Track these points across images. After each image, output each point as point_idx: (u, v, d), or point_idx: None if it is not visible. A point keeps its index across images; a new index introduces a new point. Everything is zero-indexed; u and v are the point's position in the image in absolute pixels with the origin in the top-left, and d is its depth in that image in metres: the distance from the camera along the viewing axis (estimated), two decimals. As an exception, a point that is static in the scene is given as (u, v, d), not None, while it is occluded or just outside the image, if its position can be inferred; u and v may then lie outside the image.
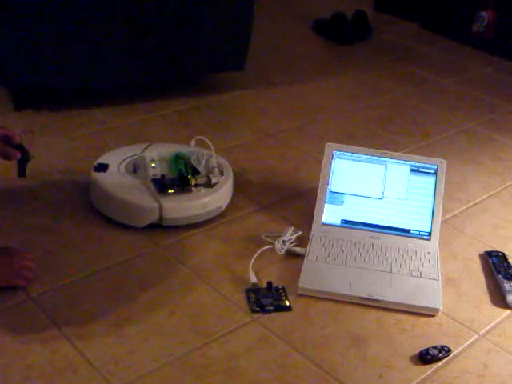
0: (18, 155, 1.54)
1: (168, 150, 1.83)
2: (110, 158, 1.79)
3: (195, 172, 1.73)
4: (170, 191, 1.65)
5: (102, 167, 1.74)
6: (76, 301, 1.42)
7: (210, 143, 1.80)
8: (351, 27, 3.13)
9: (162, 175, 1.71)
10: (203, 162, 1.75)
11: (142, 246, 1.61)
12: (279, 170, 1.99)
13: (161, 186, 1.67)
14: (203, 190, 1.68)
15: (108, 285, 1.47)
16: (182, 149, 1.83)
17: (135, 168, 1.76)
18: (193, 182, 1.69)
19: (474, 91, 2.67)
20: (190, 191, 1.67)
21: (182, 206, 1.64)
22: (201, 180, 1.71)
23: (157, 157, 1.80)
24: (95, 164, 1.75)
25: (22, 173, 1.58)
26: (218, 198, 1.70)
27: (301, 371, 1.29)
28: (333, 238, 1.63)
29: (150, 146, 1.86)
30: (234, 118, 2.32)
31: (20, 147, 1.55)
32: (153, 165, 1.76)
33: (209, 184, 1.70)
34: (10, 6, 1.99)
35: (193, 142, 1.83)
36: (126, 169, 1.75)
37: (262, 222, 1.73)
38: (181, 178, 1.70)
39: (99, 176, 1.71)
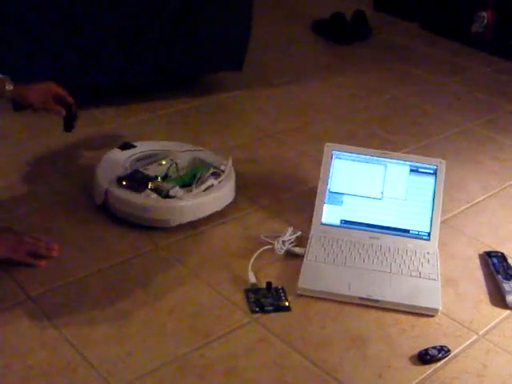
0: (63, 112, 1.74)
1: (204, 157, 1.83)
2: (145, 145, 1.87)
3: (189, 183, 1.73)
4: (123, 183, 1.67)
5: (126, 146, 1.84)
6: (75, 301, 1.42)
7: (230, 164, 1.78)
8: (350, 27, 3.13)
9: (135, 170, 1.73)
10: (203, 178, 1.73)
11: (141, 246, 1.61)
12: (278, 170, 1.99)
13: (123, 177, 1.69)
14: (153, 196, 1.65)
15: (108, 285, 1.48)
16: (215, 161, 1.81)
17: (140, 159, 1.80)
18: (151, 186, 1.67)
19: (474, 91, 2.67)
20: (140, 191, 1.66)
21: (120, 198, 1.65)
22: (165, 187, 1.67)
23: (182, 160, 1.80)
24: (124, 141, 1.87)
25: (66, 128, 1.79)
26: (162, 208, 1.64)
27: (300, 371, 1.29)
28: (332, 238, 1.63)
29: (201, 150, 1.87)
30: (233, 118, 2.32)
31: (68, 106, 1.74)
32: (163, 162, 1.77)
33: (166, 194, 1.66)
34: (10, 7, 2.00)
35: (229, 162, 1.79)
36: (137, 156, 1.82)
37: (262, 222, 1.73)
38: (153, 178, 1.70)
39: (110, 152, 1.82)
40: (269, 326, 1.40)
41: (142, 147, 1.86)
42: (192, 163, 1.82)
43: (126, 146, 1.85)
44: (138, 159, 1.82)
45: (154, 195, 1.65)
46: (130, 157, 1.81)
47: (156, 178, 1.70)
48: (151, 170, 1.74)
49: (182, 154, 1.84)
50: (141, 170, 1.74)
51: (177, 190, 1.67)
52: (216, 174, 1.75)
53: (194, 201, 1.67)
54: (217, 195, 1.72)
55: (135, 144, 1.87)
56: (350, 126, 2.31)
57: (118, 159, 1.79)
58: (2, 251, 1.48)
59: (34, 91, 1.71)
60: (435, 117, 2.44)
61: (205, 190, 1.70)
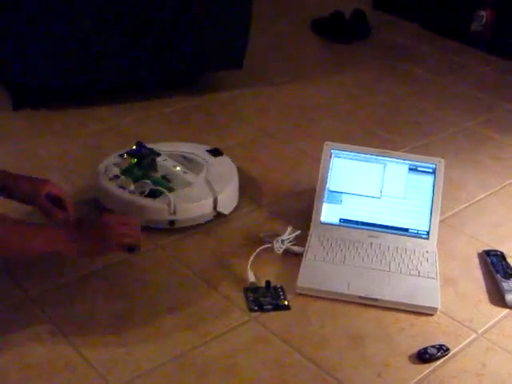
0: (60, 215, 1.49)
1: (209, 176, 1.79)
2: (222, 160, 1.88)
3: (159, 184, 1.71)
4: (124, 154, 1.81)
5: (214, 151, 1.89)
6: (75, 300, 1.42)
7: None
8: (350, 26, 3.13)
9: (147, 154, 1.81)
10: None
11: (141, 245, 1.61)
12: (278, 169, 1.99)
13: (128, 151, 1.81)
14: (112, 170, 1.73)
15: (107, 284, 1.48)
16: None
17: (179, 156, 1.85)
18: (124, 166, 1.76)
19: (473, 90, 2.67)
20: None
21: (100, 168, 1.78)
22: (120, 169, 1.74)
23: (183, 170, 1.79)
24: (211, 148, 1.91)
25: None
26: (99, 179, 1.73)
27: (299, 370, 1.29)
28: (331, 237, 1.63)
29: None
30: (233, 117, 2.32)
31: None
32: (178, 168, 1.78)
33: (114, 175, 1.74)
34: (10, 7, 2.00)
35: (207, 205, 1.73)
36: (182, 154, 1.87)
37: (261, 221, 1.74)
38: (136, 168, 1.76)
39: (190, 144, 1.92)
40: (268, 325, 1.40)
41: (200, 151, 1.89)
42: (175, 174, 1.77)
43: (214, 151, 1.89)
44: (178, 155, 1.84)
45: (114, 169, 1.74)
46: (182, 151, 1.87)
47: (140, 167, 1.76)
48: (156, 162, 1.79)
49: (202, 166, 1.82)
50: (154, 158, 1.79)
51: (121, 178, 1.71)
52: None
53: (106, 186, 1.70)
54: (128, 199, 1.66)
55: (222, 152, 1.89)
56: (349, 125, 2.31)
57: (176, 148, 1.88)
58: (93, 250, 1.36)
59: (22, 182, 1.47)
60: (434, 116, 2.44)
61: (140, 194, 1.66)
